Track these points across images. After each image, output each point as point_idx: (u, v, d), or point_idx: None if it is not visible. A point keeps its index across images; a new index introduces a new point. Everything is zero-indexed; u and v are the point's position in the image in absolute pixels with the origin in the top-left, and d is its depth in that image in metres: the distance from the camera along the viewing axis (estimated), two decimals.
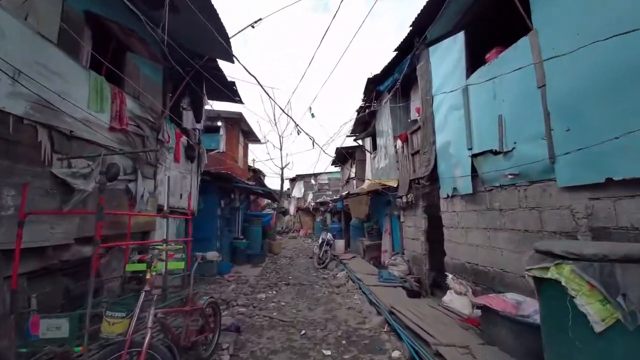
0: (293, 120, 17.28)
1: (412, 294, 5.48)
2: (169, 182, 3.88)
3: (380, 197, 10.53)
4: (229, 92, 7.49)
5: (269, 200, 18.95)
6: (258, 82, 5.27)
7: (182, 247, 3.72)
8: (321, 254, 10.03)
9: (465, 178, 4.57)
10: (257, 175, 13.71)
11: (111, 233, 3.83)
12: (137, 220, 4.43)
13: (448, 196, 5.21)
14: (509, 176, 3.72)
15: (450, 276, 4.84)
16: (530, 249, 2.40)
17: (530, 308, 2.90)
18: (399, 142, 7.51)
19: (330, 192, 22.81)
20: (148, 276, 2.52)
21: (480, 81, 4.20)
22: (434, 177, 5.59)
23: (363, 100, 9.20)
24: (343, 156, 15.78)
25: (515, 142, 3.65)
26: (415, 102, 7.30)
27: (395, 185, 7.86)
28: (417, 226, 6.81)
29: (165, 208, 3.45)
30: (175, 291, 3.71)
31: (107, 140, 3.88)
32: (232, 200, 10.55)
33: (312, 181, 23.13)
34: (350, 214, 13.27)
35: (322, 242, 10.44)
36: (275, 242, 12.72)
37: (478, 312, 3.67)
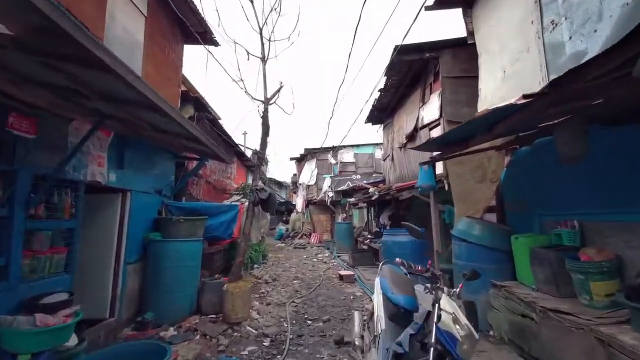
0: None
1: None
2: None
3: None
4: None
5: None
6: None
7: None
8: None
9: None
10: (202, 104, 5.59)
11: None
12: None
13: None
14: None
15: None
16: None
17: None
18: None
19: (359, 176, 14.56)
20: None
21: None
22: None
23: None
24: (405, 79, 7.35)
25: None
26: None
27: None
28: None
29: None
30: None
31: None
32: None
33: (330, 159, 14.91)
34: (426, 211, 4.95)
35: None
36: (239, 288, 4.47)
37: None
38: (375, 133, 11.49)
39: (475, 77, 5.62)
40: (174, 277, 4.29)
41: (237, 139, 10.67)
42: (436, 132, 5.99)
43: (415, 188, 5.80)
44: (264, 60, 6.25)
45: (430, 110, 6.23)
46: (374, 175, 14.43)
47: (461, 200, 4.36)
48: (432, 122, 6.14)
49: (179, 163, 5.64)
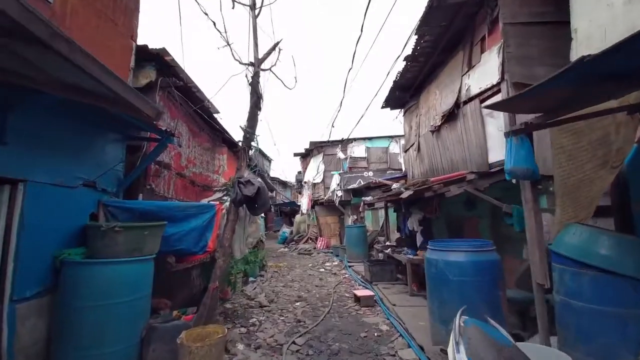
0: None
1: None
2: None
3: None
4: None
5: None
6: None
7: None
8: None
9: None
10: (168, 64, 4.04)
11: None
12: None
13: None
14: None
15: None
16: None
17: None
18: None
19: (371, 173, 12.86)
20: None
21: None
22: None
23: None
24: (441, 41, 5.60)
25: None
26: None
27: None
28: None
29: None
30: None
31: None
32: None
33: (339, 153, 13.21)
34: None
35: None
36: (202, 340, 2.85)
37: None
38: (391, 122, 9.78)
39: (552, 24, 4.01)
40: (101, 322, 2.66)
41: (235, 134, 9.03)
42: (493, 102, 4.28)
43: (467, 181, 4.13)
44: (253, 8, 4.62)
45: (483, 73, 4.51)
46: (388, 171, 12.74)
47: (568, 196, 2.64)
48: (487, 90, 4.42)
49: (132, 146, 4.02)
